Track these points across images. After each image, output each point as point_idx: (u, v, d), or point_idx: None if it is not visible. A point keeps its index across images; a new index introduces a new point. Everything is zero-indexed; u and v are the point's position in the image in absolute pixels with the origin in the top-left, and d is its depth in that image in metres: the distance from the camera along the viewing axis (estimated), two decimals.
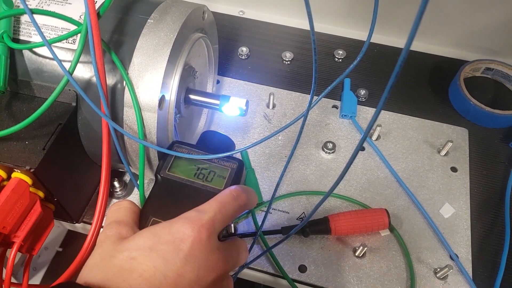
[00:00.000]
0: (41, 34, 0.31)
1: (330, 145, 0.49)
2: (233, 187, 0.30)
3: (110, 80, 0.35)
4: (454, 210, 0.46)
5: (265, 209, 0.44)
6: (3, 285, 0.34)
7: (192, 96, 0.42)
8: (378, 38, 0.62)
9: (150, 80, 0.34)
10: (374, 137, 0.51)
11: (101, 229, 0.30)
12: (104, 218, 0.37)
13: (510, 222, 0.45)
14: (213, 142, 0.38)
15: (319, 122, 0.53)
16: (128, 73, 0.34)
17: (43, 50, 0.36)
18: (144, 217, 0.30)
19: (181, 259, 0.25)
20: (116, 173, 0.46)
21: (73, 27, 0.35)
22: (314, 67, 0.29)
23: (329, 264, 0.42)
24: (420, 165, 0.49)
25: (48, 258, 0.91)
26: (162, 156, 0.34)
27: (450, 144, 0.49)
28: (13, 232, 0.33)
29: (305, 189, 0.47)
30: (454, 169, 0.49)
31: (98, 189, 0.36)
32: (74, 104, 0.36)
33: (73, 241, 0.93)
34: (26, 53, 0.36)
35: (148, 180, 0.46)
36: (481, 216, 0.46)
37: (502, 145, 0.52)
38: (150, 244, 0.25)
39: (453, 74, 0.57)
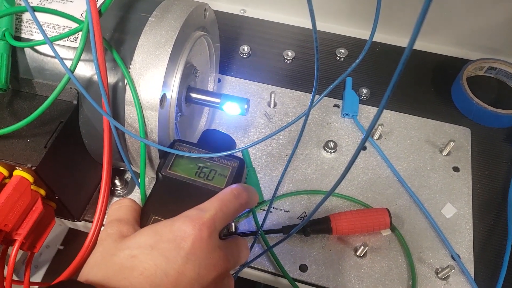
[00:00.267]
0: (42, 32, 0.31)
1: (331, 145, 0.49)
2: (234, 185, 0.30)
3: (112, 78, 0.35)
4: (456, 210, 0.45)
5: (266, 208, 0.44)
6: (5, 283, 0.35)
7: (193, 95, 0.42)
8: (380, 37, 0.62)
9: (151, 78, 0.34)
10: (375, 137, 0.51)
11: (102, 227, 0.30)
12: (105, 216, 0.37)
13: None
14: (214, 141, 0.37)
15: (321, 121, 0.53)
16: (129, 71, 0.34)
17: (45, 48, 0.36)
18: (145, 216, 0.30)
19: (182, 257, 0.25)
20: (117, 172, 0.46)
21: (74, 25, 0.35)
22: (316, 66, 0.29)
23: (330, 264, 0.41)
24: (422, 164, 0.49)
25: (49, 256, 0.91)
26: (163, 155, 0.34)
27: (452, 144, 0.48)
28: (14, 230, 0.33)
29: (306, 188, 0.47)
30: (456, 169, 0.49)
31: (99, 187, 0.36)
32: (75, 102, 0.36)
33: (74, 239, 0.93)
34: (28, 51, 0.36)
35: (149, 178, 0.46)
36: (483, 216, 0.46)
37: (504, 145, 0.52)
38: (151, 242, 0.25)
39: (456, 73, 0.56)
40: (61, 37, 0.34)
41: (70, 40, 0.35)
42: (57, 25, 0.36)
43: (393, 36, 0.62)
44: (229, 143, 0.38)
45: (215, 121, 0.53)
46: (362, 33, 0.63)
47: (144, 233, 0.26)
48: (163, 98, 0.35)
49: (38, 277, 0.88)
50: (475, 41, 0.61)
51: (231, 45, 0.61)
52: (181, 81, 0.37)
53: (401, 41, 0.62)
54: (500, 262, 0.42)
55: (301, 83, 0.57)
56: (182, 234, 0.25)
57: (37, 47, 0.36)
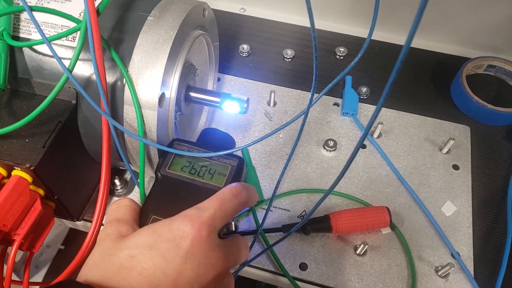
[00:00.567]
0: (40, 31, 0.31)
1: (331, 143, 0.49)
2: (233, 184, 0.30)
3: (110, 78, 0.35)
4: (455, 208, 0.45)
5: (266, 207, 0.44)
6: (4, 283, 0.35)
7: (192, 94, 0.42)
8: (380, 35, 0.62)
9: (150, 78, 0.34)
10: (375, 135, 0.51)
11: (102, 227, 0.30)
12: (105, 216, 0.37)
13: None
14: (213, 140, 0.37)
15: (320, 120, 0.52)
16: (128, 71, 0.34)
17: (43, 48, 0.36)
18: (144, 215, 0.30)
19: (181, 257, 0.25)
20: (117, 171, 0.46)
21: (72, 25, 0.35)
22: (315, 64, 0.29)
23: (330, 262, 0.41)
24: (421, 163, 0.49)
25: (50, 256, 0.91)
26: (162, 154, 0.34)
27: (452, 142, 0.48)
28: (13, 230, 0.33)
29: (306, 187, 0.47)
30: (456, 167, 0.49)
31: (98, 187, 0.36)
32: (74, 102, 0.36)
33: (75, 239, 0.93)
34: (26, 50, 0.36)
35: (149, 178, 0.46)
36: (483, 214, 0.46)
37: (504, 143, 0.52)
38: (150, 242, 0.25)
39: (455, 72, 0.56)
40: (59, 36, 0.34)
41: (68, 40, 0.35)
42: (55, 24, 0.36)
43: (393, 34, 0.62)
44: (229, 142, 0.38)
45: (215, 120, 0.52)
46: (362, 32, 0.63)
47: (143, 233, 0.26)
48: (162, 98, 0.35)
49: (39, 277, 0.88)
50: (474, 39, 0.60)
51: (231, 44, 0.60)
52: (180, 80, 0.37)
53: (401, 39, 0.62)
54: (499, 259, 0.42)
55: (301, 82, 0.57)
56: (181, 233, 0.25)
57: (35, 47, 0.36)
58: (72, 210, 0.40)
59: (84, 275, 0.25)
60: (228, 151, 0.32)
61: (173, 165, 0.33)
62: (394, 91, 0.56)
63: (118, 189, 0.45)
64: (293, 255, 0.42)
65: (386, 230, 0.44)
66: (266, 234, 0.42)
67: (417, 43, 0.61)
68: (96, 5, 0.32)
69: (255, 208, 0.44)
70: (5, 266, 0.36)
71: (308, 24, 0.25)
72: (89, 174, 0.41)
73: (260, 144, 0.50)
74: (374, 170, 0.48)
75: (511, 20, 0.56)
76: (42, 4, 0.37)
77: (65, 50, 0.35)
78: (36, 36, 0.36)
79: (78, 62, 0.34)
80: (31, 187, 0.34)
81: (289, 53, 0.59)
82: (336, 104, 0.54)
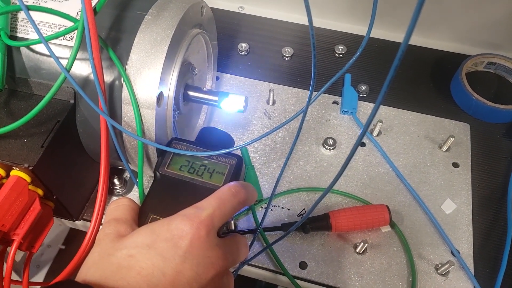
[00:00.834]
0: (37, 31, 0.31)
1: (330, 141, 0.49)
2: (232, 183, 0.30)
3: (108, 77, 0.35)
4: (455, 206, 0.45)
5: (265, 205, 0.44)
6: (3, 282, 0.35)
7: (191, 93, 0.41)
8: (379, 33, 0.61)
9: (148, 77, 0.34)
10: (375, 133, 0.51)
11: (101, 227, 0.30)
12: (104, 216, 0.37)
13: None
14: (212, 139, 0.37)
15: (320, 118, 0.52)
16: (125, 70, 0.34)
17: (41, 47, 0.35)
18: (143, 214, 0.30)
19: (180, 256, 0.25)
20: (116, 171, 0.45)
21: (70, 24, 0.35)
22: (313, 62, 0.29)
23: (330, 261, 0.41)
24: (421, 160, 0.49)
25: (51, 255, 0.91)
26: (161, 153, 0.34)
27: (451, 140, 0.48)
28: (12, 230, 0.33)
29: (306, 185, 0.47)
30: (455, 165, 0.49)
31: (97, 187, 0.36)
32: (72, 101, 0.35)
33: (75, 239, 0.93)
34: (24, 50, 0.36)
35: (148, 177, 0.46)
36: (483, 212, 0.46)
37: (504, 140, 0.51)
38: (148, 241, 0.25)
39: (455, 69, 0.56)
40: (56, 36, 0.34)
41: (66, 39, 0.35)
42: (52, 24, 0.36)
43: (392, 32, 0.61)
44: (227, 141, 0.38)
45: (214, 119, 0.52)
46: (361, 30, 0.62)
47: (142, 233, 0.26)
48: (160, 97, 0.35)
49: (40, 277, 0.88)
50: (474, 36, 0.60)
51: (229, 42, 0.60)
52: (178, 79, 0.37)
53: (401, 37, 0.61)
54: (499, 257, 0.42)
55: (300, 80, 0.56)
56: (180, 233, 0.25)
57: (33, 46, 0.36)
58: (71, 210, 0.40)
59: (83, 275, 0.25)
60: (227, 150, 0.32)
61: (172, 165, 0.33)
62: (394, 89, 0.56)
63: (117, 189, 0.45)
64: (293, 253, 0.42)
65: (386, 229, 0.43)
66: (265, 233, 0.42)
67: (416, 40, 0.61)
68: (93, 4, 0.32)
69: (255, 207, 0.44)
70: (4, 265, 0.36)
71: (306, 22, 0.24)
72: (88, 174, 0.41)
73: (259, 143, 0.50)
74: (374, 168, 0.48)
75: (511, 17, 0.56)
76: (39, 4, 0.36)
77: (62, 50, 0.35)
78: (33, 35, 0.36)
79: (76, 62, 0.34)
80: (30, 187, 0.34)
81: (288, 51, 0.59)
82: (335, 102, 0.54)
